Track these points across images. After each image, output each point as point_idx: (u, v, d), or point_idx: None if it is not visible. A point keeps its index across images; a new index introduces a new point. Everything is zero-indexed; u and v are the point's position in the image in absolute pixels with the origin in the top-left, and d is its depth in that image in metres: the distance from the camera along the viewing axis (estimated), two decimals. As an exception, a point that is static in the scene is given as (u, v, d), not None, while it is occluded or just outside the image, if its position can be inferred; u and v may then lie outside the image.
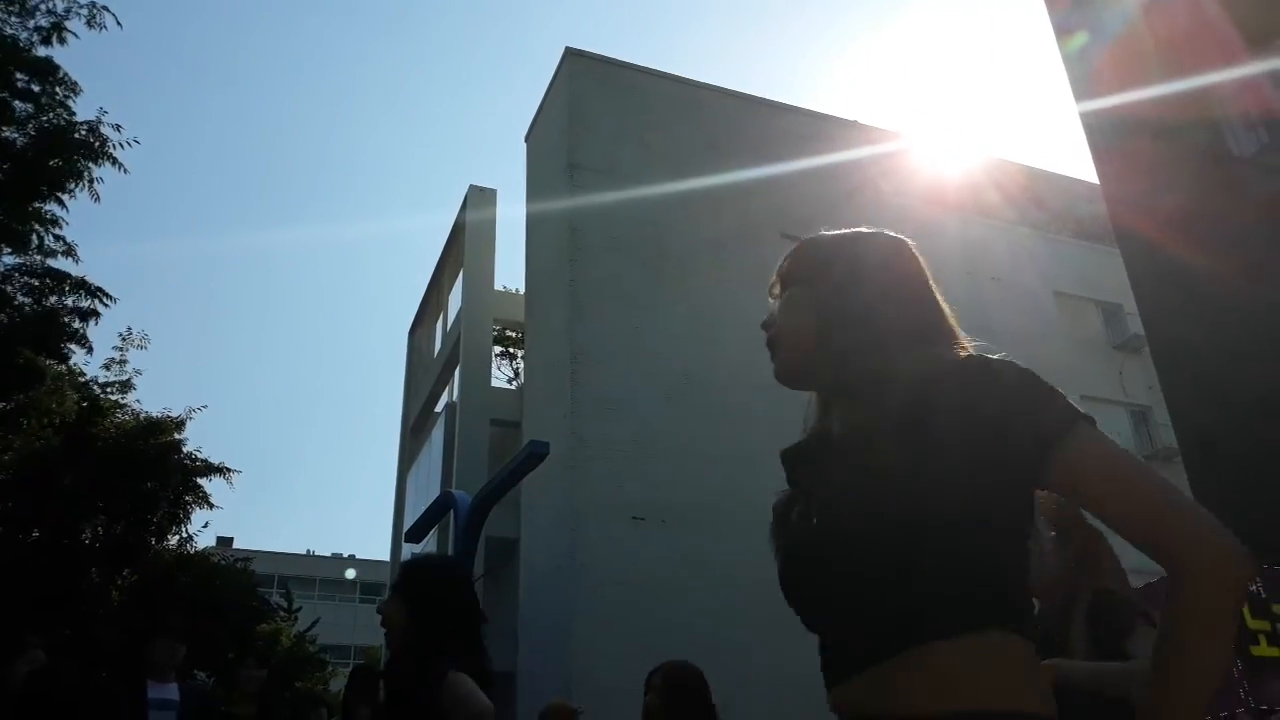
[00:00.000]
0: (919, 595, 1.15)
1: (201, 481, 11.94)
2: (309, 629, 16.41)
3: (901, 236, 1.50)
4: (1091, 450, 1.20)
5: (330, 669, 17.29)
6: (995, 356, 1.28)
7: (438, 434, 25.96)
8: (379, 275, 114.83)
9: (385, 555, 33.05)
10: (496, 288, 27.18)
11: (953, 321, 1.41)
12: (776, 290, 1.52)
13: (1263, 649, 4.92)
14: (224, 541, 33.18)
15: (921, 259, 1.49)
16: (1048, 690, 1.16)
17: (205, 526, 15.29)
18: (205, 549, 13.14)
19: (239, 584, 12.69)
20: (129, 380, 12.28)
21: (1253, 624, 4.94)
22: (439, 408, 27.64)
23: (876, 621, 1.17)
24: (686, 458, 20.40)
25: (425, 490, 24.00)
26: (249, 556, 14.24)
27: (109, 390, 12.07)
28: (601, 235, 21.66)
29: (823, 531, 1.25)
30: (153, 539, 11.73)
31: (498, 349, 28.16)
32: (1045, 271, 25.15)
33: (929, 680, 1.12)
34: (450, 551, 12.98)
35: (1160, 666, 1.14)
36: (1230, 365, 10.33)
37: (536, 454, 9.09)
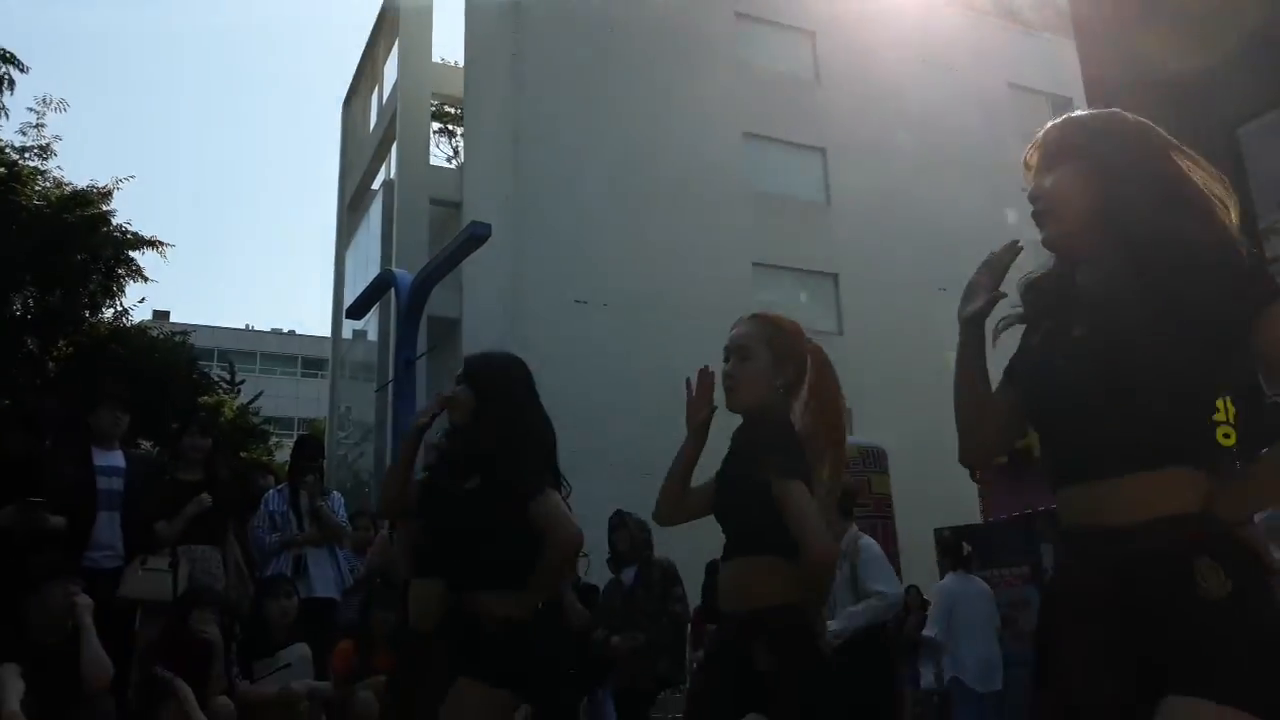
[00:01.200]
0: (1161, 428, 1.52)
1: (134, 255, 11.69)
2: (251, 402, 16.57)
3: (1146, 121, 1.71)
4: None
5: (275, 441, 17.65)
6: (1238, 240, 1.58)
7: (376, 211, 25.49)
8: (313, 41, 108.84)
9: (326, 331, 33.12)
10: (434, 60, 25.97)
11: (1200, 187, 1.64)
12: (1035, 160, 1.73)
13: None
14: (161, 315, 32.87)
15: (1167, 135, 1.71)
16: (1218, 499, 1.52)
17: (141, 301, 15.11)
18: (142, 322, 13.02)
19: (178, 357, 12.67)
20: (48, 145, 11.73)
21: None
22: (376, 185, 27.00)
23: (1124, 447, 1.52)
24: (629, 242, 20.38)
25: (365, 268, 23.81)
26: (187, 330, 14.15)
27: (27, 155, 11.53)
28: (546, 7, 20.66)
29: (1096, 366, 1.56)
30: (86, 311, 11.59)
31: (436, 125, 27.22)
32: (1001, 63, 24.71)
33: (1158, 492, 1.50)
34: (392, 330, 13.05)
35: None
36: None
37: (477, 236, 8.99)
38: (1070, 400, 1.59)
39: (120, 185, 11.80)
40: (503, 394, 2.90)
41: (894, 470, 10.55)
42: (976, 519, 12.19)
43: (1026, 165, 1.74)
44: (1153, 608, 1.47)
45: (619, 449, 18.05)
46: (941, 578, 8.10)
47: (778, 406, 2.44)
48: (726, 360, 2.49)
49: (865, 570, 4.76)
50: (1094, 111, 1.75)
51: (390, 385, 10.65)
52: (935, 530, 11.89)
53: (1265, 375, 1.53)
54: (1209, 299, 1.48)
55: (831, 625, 4.38)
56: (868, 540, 5.10)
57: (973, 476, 11.65)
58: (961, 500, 15.85)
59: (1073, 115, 1.74)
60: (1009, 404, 1.76)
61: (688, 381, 2.63)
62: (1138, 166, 1.62)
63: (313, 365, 48.42)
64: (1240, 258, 1.54)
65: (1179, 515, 1.49)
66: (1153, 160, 1.64)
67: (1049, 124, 1.75)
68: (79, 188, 11.53)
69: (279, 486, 6.02)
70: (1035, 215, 1.69)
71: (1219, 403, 9.50)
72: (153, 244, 11.75)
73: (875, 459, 10.19)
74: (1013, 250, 1.76)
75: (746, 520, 2.36)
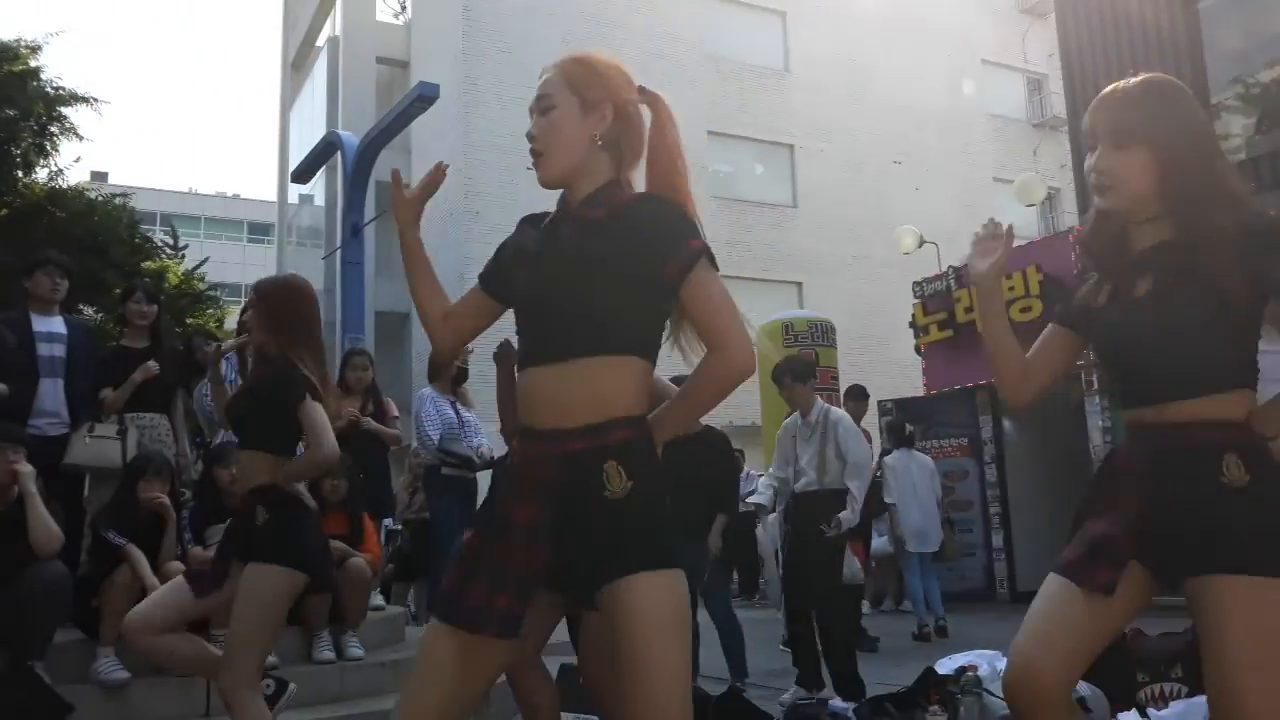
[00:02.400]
0: (1210, 372, 1.87)
1: (66, 112, 11.20)
2: (197, 267, 16.23)
3: (1189, 95, 1.98)
4: None
5: (222, 307, 17.37)
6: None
7: (320, 70, 24.57)
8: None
9: (272, 195, 32.30)
10: (380, -93, 24.67)
11: (1232, 176, 1.95)
12: (1099, 133, 1.94)
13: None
14: (99, 177, 31.79)
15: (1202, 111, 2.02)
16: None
17: (77, 160, 14.57)
18: (80, 184, 12.57)
19: (118, 220, 12.30)
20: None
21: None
22: (320, 42, 25.93)
23: (1183, 380, 1.88)
24: (583, 107, 19.95)
25: (310, 130, 23.08)
26: (128, 192, 13.69)
27: (-54, 6, 10.86)
28: None
29: (1155, 321, 1.89)
30: (19, 172, 11.16)
31: (383, -22, 26.01)
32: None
33: (1214, 407, 1.86)
34: (340, 195, 12.77)
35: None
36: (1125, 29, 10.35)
37: (426, 96, 8.75)
38: (1140, 351, 1.93)
39: (50, 40, 11.23)
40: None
41: (841, 344, 10.70)
42: (919, 391, 12.50)
43: (1090, 136, 1.97)
44: (1180, 493, 1.84)
45: (571, 318, 18.08)
46: (887, 454, 8.56)
47: (605, 171, 1.93)
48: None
49: (846, 442, 5.25)
50: (1147, 86, 1.96)
51: (339, 252, 10.49)
52: (879, 403, 12.18)
53: None
54: (1252, 259, 1.80)
55: (844, 516, 5.18)
56: (839, 412, 5.51)
57: (917, 351, 11.89)
58: (905, 373, 16.20)
59: (1130, 89, 1.96)
60: (1058, 347, 2.10)
61: (395, 173, 2.15)
62: (1188, 154, 1.89)
63: (259, 230, 47.41)
64: (1267, 221, 1.85)
65: (1223, 421, 1.85)
66: (1199, 144, 1.91)
67: (1108, 93, 1.99)
68: (5, 41, 10.94)
69: (227, 353, 5.96)
70: (1095, 186, 1.95)
71: None
72: (86, 100, 11.27)
73: (823, 332, 10.32)
74: (994, 230, 2.10)
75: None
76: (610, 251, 1.80)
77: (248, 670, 2.88)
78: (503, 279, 2.02)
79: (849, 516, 5.20)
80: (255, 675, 2.92)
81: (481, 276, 2.09)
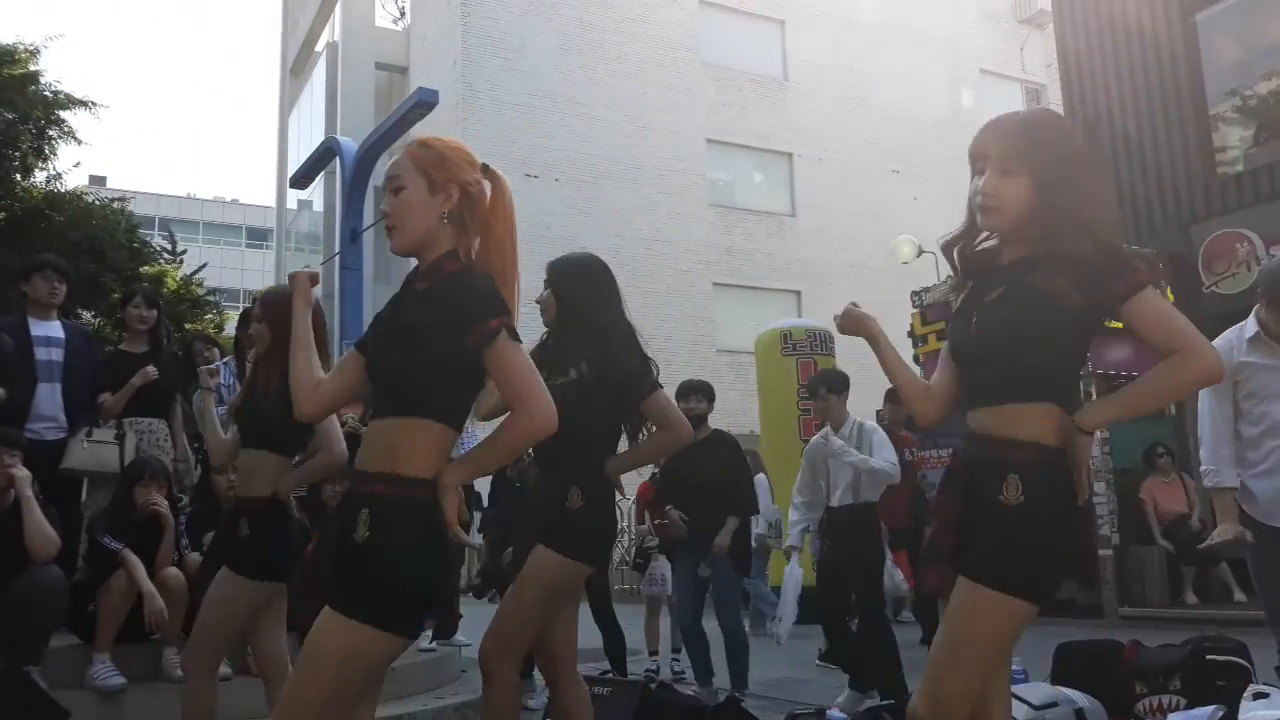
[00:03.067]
0: (1030, 377, 2.03)
1: (65, 115, 11.18)
2: (196, 272, 16.22)
3: (1072, 129, 2.19)
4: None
5: (221, 311, 17.34)
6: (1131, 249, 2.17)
7: (319, 76, 24.59)
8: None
9: (271, 200, 32.29)
10: (380, -86, 24.72)
11: (1109, 206, 2.16)
12: (990, 155, 2.08)
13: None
14: (97, 180, 31.79)
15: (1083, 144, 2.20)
16: (1059, 430, 2.03)
17: (76, 165, 14.52)
18: (78, 188, 12.55)
19: (116, 224, 12.28)
20: (-32, -1, 11.04)
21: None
22: (320, 47, 25.95)
23: (1004, 385, 2.04)
24: (581, 114, 19.96)
25: (309, 135, 23.10)
26: (126, 197, 13.69)
27: (-54, 10, 10.86)
28: None
29: (989, 326, 2.07)
30: (18, 175, 11.14)
31: (383, -16, 26.04)
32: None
33: (1017, 420, 2.02)
34: (338, 201, 12.76)
35: None
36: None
37: (424, 102, 8.72)
38: (975, 347, 2.12)
39: (49, 43, 11.22)
40: (584, 295, 3.17)
41: (840, 353, 10.70)
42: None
43: (978, 159, 2.12)
44: (974, 498, 2.05)
45: (569, 325, 18.07)
46: None
47: (448, 242, 2.14)
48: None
49: (879, 451, 5.27)
50: (1035, 116, 2.18)
51: (337, 257, 10.48)
52: (878, 412, 12.15)
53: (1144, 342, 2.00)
54: (1087, 288, 1.96)
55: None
56: (872, 424, 5.53)
57: (915, 360, 11.90)
58: (905, 381, 16.14)
59: (1018, 119, 2.13)
60: (951, 366, 2.26)
61: (315, 275, 2.54)
62: (1061, 182, 2.04)
63: (258, 236, 47.40)
64: (1117, 258, 1.99)
65: (1018, 440, 2.01)
66: (1073, 173, 2.06)
67: (996, 121, 2.15)
68: (4, 44, 10.93)
69: (225, 359, 5.95)
70: (980, 207, 2.10)
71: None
72: (85, 104, 11.25)
73: (822, 341, 10.33)
74: (852, 313, 2.50)
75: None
76: (420, 319, 2.04)
77: (205, 657, 3.22)
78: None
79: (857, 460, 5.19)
80: (212, 662, 3.25)
81: (357, 340, 2.34)
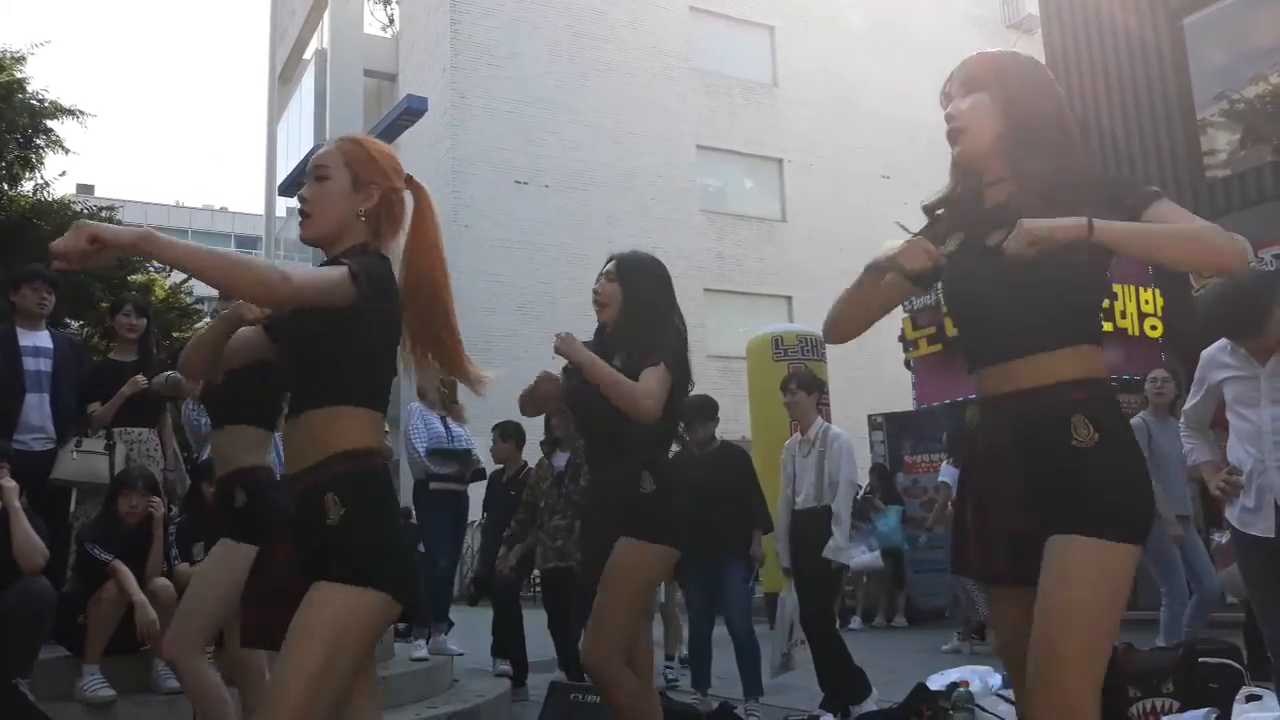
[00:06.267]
0: (1061, 320, 1.88)
1: (52, 124, 11.12)
2: (185, 280, 16.14)
3: (1038, 61, 2.06)
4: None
5: (208, 320, 17.30)
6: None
7: (308, 83, 24.55)
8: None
9: (259, 208, 32.21)
10: (369, -79, 24.70)
11: (1076, 133, 2.02)
12: (953, 90, 2.03)
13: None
14: (85, 189, 31.64)
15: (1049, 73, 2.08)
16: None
17: (63, 174, 14.48)
18: (65, 197, 12.48)
19: (105, 233, 12.22)
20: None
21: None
22: (308, 54, 25.92)
23: (1034, 333, 1.88)
24: (571, 121, 19.96)
25: (298, 142, 23.06)
26: (114, 205, 13.61)
27: (-68, 17, 10.80)
28: None
29: (1006, 268, 1.84)
30: (5, 184, 11.08)
31: (372, -8, 26.02)
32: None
33: (1059, 363, 1.87)
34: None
35: None
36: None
37: (413, 109, 8.72)
38: (988, 298, 1.95)
39: (35, 50, 11.17)
40: (648, 290, 3.22)
41: (831, 357, 10.72)
42: (909, 405, 12.51)
43: (945, 96, 2.06)
44: (1039, 454, 1.85)
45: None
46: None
47: (359, 237, 2.13)
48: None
49: (836, 460, 5.23)
50: (1002, 51, 2.07)
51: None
52: (870, 416, 12.16)
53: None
54: (1097, 209, 1.80)
55: (832, 546, 5.11)
56: (838, 430, 5.46)
57: (907, 365, 11.92)
58: (896, 387, 16.22)
59: (982, 52, 2.06)
60: (882, 294, 2.17)
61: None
62: (1033, 101, 1.96)
63: (247, 243, 47.25)
64: (1111, 177, 1.93)
65: (1064, 381, 1.86)
66: (1044, 96, 1.98)
67: (964, 59, 2.08)
68: (-12, 52, 10.87)
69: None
70: (950, 133, 2.01)
71: (1147, 294, 9.73)
72: (72, 113, 11.20)
73: (813, 346, 10.34)
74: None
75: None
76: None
77: (195, 637, 3.15)
78: None
79: (839, 545, 5.13)
80: (201, 643, 3.19)
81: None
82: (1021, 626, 1.85)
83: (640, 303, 3.21)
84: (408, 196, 2.22)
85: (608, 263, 3.33)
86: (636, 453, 3.05)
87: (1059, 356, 1.87)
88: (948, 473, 8.27)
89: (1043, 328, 1.88)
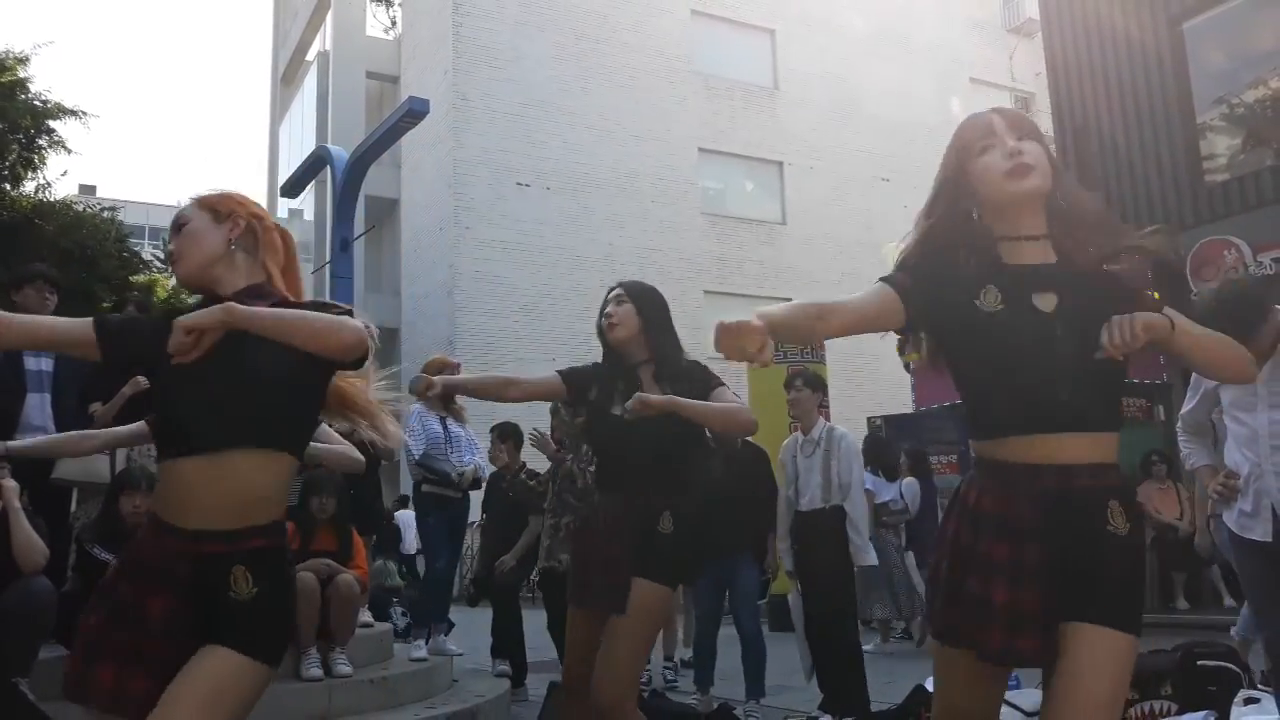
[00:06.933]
0: (1112, 402, 1.94)
1: (55, 125, 11.14)
2: (185, 281, 16.15)
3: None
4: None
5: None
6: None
7: (310, 84, 24.59)
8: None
9: (261, 210, 32.17)
10: (371, -77, 24.75)
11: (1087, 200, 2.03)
12: (1000, 128, 1.99)
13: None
14: (87, 189, 31.66)
15: None
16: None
17: (64, 174, 14.49)
18: (67, 197, 12.50)
19: (107, 233, 12.24)
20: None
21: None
22: (310, 56, 25.96)
23: (1100, 411, 1.89)
24: (573, 123, 19.98)
25: (299, 144, 23.09)
26: (116, 205, 13.64)
27: (-65, 18, 10.82)
28: None
29: (1071, 340, 1.85)
30: (7, 184, 11.10)
31: (374, -7, 26.07)
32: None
33: (1102, 444, 1.89)
34: (329, 210, 12.74)
35: None
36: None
37: (415, 111, 8.73)
38: (1043, 367, 1.87)
39: (38, 51, 11.20)
40: (662, 314, 3.29)
41: (831, 359, 10.74)
42: (909, 407, 12.52)
43: (984, 131, 2.02)
44: (1071, 533, 1.83)
45: (559, 334, 18.07)
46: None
47: (243, 276, 2.11)
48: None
49: (842, 462, 5.25)
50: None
51: (327, 266, 10.47)
52: (869, 419, 12.17)
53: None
54: (1121, 303, 1.87)
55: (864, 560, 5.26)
56: (843, 430, 5.47)
57: (906, 368, 11.92)
58: (895, 389, 16.23)
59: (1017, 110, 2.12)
60: (882, 305, 2.10)
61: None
62: (1060, 171, 2.00)
63: (248, 244, 47.22)
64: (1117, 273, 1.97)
65: (1105, 464, 1.87)
66: (1060, 168, 2.02)
67: (999, 108, 2.13)
68: (-9, 52, 10.89)
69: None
70: (1021, 166, 1.92)
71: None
72: (75, 113, 11.22)
73: (813, 348, 10.34)
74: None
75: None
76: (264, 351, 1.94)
77: None
78: None
79: (859, 545, 5.22)
80: None
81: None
82: (975, 692, 1.98)
83: (658, 326, 3.25)
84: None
85: (612, 290, 3.33)
86: (658, 490, 3.04)
87: (1104, 439, 1.88)
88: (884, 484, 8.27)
89: (1098, 407, 1.89)
